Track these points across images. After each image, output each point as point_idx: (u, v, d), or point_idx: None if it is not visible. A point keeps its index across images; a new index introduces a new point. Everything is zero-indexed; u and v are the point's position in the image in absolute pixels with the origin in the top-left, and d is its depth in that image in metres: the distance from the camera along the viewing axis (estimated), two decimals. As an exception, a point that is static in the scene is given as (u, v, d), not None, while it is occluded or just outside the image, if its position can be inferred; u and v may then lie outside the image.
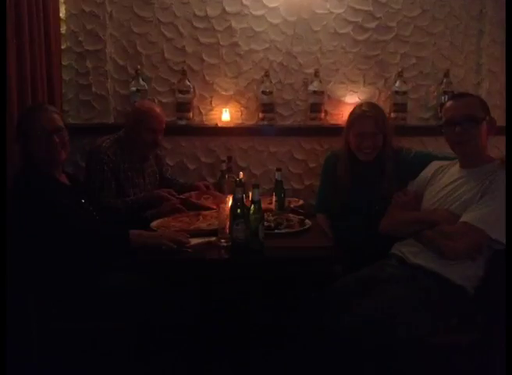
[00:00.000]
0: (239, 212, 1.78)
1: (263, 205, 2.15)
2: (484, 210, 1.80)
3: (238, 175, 2.87)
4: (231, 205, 1.82)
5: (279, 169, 2.39)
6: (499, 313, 1.80)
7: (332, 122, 3.11)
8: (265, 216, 2.10)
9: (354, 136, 2.32)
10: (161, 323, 1.84)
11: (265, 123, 3.05)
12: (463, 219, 1.83)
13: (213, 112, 3.10)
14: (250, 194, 2.38)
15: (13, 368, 1.72)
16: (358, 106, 2.40)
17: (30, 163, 2.01)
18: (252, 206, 1.76)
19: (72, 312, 1.84)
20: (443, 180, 2.04)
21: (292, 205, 2.54)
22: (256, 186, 1.80)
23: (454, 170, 2.02)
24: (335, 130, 2.96)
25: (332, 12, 3.04)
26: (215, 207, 2.37)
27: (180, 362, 1.88)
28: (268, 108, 3.04)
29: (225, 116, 3.04)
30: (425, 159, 2.24)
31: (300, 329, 1.94)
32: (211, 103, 3.10)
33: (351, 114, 2.38)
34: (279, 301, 2.02)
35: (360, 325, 1.71)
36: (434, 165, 2.16)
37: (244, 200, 1.84)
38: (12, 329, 1.69)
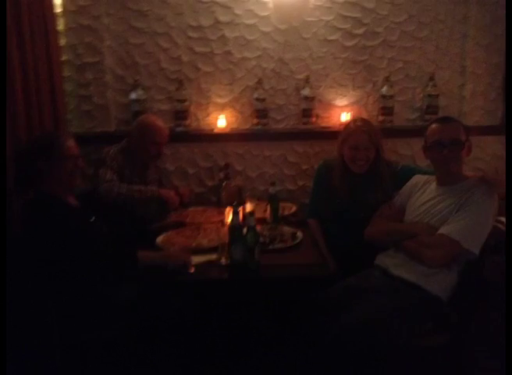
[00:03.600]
0: (236, 236, 1.97)
1: (258, 214, 2.35)
2: (459, 223, 2.00)
3: (235, 180, 3.06)
4: (229, 229, 2.01)
5: (273, 183, 2.56)
6: (470, 315, 2.05)
7: (323, 125, 3.26)
8: (260, 230, 2.30)
9: (349, 148, 2.48)
10: (163, 330, 1.97)
11: (259, 127, 3.20)
12: (440, 231, 2.03)
13: (209, 119, 3.24)
14: (247, 204, 2.59)
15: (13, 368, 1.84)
16: (353, 121, 2.56)
17: (41, 186, 2.08)
18: (248, 232, 1.94)
19: (76, 323, 1.95)
20: (423, 197, 2.22)
21: (286, 213, 2.72)
22: (251, 214, 1.98)
23: (431, 189, 2.21)
24: (326, 134, 3.15)
25: (321, 20, 3.14)
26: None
27: (181, 368, 2.05)
28: (261, 113, 3.19)
29: (221, 122, 3.18)
30: (409, 173, 2.42)
31: (294, 336, 2.15)
32: (207, 110, 3.24)
33: (346, 129, 2.54)
34: (276, 311, 2.20)
35: (348, 330, 1.92)
36: (415, 179, 2.35)
37: (240, 223, 2.02)
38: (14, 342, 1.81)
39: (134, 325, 1.99)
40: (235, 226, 1.97)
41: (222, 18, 3.12)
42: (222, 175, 2.99)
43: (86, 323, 1.99)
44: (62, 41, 3.07)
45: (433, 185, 2.22)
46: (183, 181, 3.23)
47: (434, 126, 2.19)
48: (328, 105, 3.26)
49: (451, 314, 2.03)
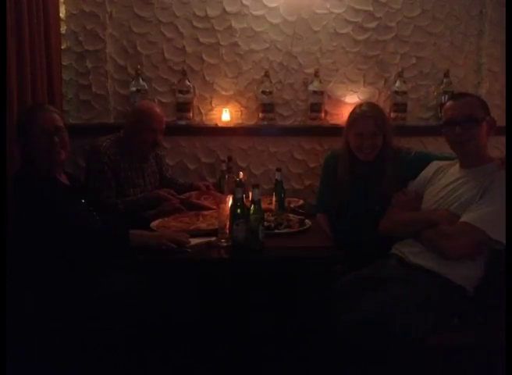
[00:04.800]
0: (239, 212, 1.78)
1: (263, 205, 2.16)
2: (484, 210, 1.81)
3: (238, 175, 2.88)
4: (231, 205, 1.83)
5: (278, 169, 2.39)
6: (498, 313, 1.82)
7: (332, 122, 3.11)
8: (265, 216, 2.11)
9: (354, 136, 2.32)
10: (160, 322, 1.84)
11: (265, 123, 3.05)
12: (463, 219, 1.83)
13: (213, 112, 3.10)
14: (250, 193, 2.41)
15: (13, 368, 1.72)
16: (358, 106, 2.40)
17: (29, 163, 2.00)
18: (252, 206, 1.76)
19: (71, 312, 1.83)
20: (443, 181, 2.04)
21: (292, 205, 2.54)
22: (256, 186, 1.80)
23: (454, 170, 2.03)
24: (335, 130, 2.97)
25: (332, 12, 3.04)
26: (214, 207, 2.37)
27: (179, 362, 1.88)
28: (268, 108, 3.04)
29: (226, 116, 3.04)
30: (425, 159, 2.24)
31: (301, 329, 1.95)
32: (211, 103, 3.10)
33: (351, 114, 2.38)
34: (280, 301, 2.01)
35: (359, 325, 1.71)
36: (434, 165, 2.16)
37: (244, 200, 1.84)
38: (11, 329, 1.69)
39: (130, 318, 1.82)
40: (238, 200, 1.78)
41: (230, 8, 3.02)
42: (224, 166, 2.82)
43: (69, 310, 1.83)
44: (63, 28, 2.96)
45: (455, 168, 2.04)
46: (183, 176, 3.05)
47: (448, 103, 2.04)
48: (338, 102, 3.12)
49: (478, 308, 1.82)
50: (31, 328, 1.82)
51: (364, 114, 2.32)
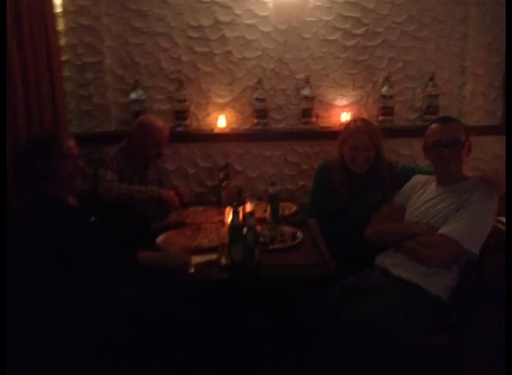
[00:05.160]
0: (236, 236, 1.97)
1: (258, 214, 2.35)
2: (458, 223, 1.99)
3: (235, 180, 3.06)
4: (229, 229, 2.01)
5: (273, 184, 2.55)
6: (469, 317, 2.05)
7: (323, 125, 3.26)
8: (260, 230, 2.30)
9: (349, 149, 2.48)
10: (160, 323, 1.96)
11: (260, 127, 3.20)
12: (440, 231, 2.02)
13: (209, 119, 3.25)
14: (247, 204, 2.59)
15: (13, 368, 1.83)
16: (353, 121, 2.56)
17: (41, 186, 2.07)
18: (248, 232, 1.94)
19: (71, 313, 1.95)
20: (423, 197, 2.22)
21: (286, 213, 2.71)
22: (251, 214, 1.98)
23: (431, 189, 2.20)
24: (326, 134, 3.15)
25: (321, 20, 3.15)
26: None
27: (179, 362, 2.05)
28: (261, 113, 3.19)
29: (221, 122, 3.18)
30: (409, 173, 2.41)
31: (299, 329, 2.15)
32: (207, 110, 3.24)
33: (346, 129, 2.54)
34: (278, 305, 2.20)
35: (347, 332, 1.92)
36: (415, 179, 2.34)
37: (240, 223, 2.02)
38: (11, 329, 1.77)
39: (134, 325, 1.98)
40: (235, 226, 1.97)
41: (222, 18, 3.12)
42: (222, 175, 2.99)
43: (85, 323, 1.97)
44: (62, 41, 3.07)
45: (433, 185, 2.22)
46: (183, 181, 3.23)
47: (434, 126, 2.19)
48: (329, 105, 3.26)
49: (451, 314, 2.03)
50: (31, 328, 1.93)
51: (359, 129, 2.48)
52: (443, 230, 2.01)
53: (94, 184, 2.70)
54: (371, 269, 2.24)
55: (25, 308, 1.93)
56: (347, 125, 2.58)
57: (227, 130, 3.20)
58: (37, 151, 2.06)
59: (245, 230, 1.98)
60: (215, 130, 3.21)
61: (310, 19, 3.14)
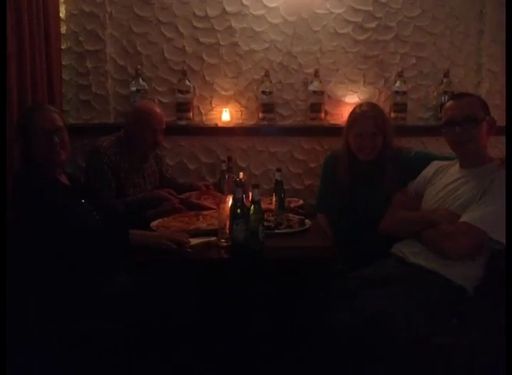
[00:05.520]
0: (239, 212, 1.78)
1: (263, 206, 2.16)
2: (484, 210, 1.81)
3: (238, 175, 2.88)
4: (231, 205, 1.83)
5: (279, 170, 2.39)
6: (498, 313, 1.82)
7: (332, 122, 3.11)
8: (265, 216, 2.11)
9: (354, 136, 2.32)
10: (160, 322, 1.83)
11: (265, 123, 3.05)
12: (463, 219, 1.83)
13: (213, 112, 3.10)
14: (250, 194, 2.41)
15: (13, 368, 1.72)
16: (358, 106, 2.40)
17: (29, 164, 1.99)
18: (252, 206, 1.76)
19: (72, 312, 1.84)
20: (443, 180, 2.04)
21: (292, 205, 2.54)
22: (256, 186, 1.80)
23: (454, 170, 2.03)
24: (335, 130, 2.97)
25: (332, 12, 3.04)
26: (215, 207, 2.37)
27: (179, 362, 1.89)
28: (268, 108, 3.04)
29: (226, 116, 3.04)
30: (425, 159, 2.24)
31: (300, 328, 1.95)
32: (211, 103, 3.10)
33: (351, 114, 2.38)
34: (279, 300, 2.01)
35: (360, 324, 1.71)
36: (434, 165, 2.17)
37: (244, 200, 1.84)
38: (11, 330, 1.69)
39: (130, 317, 1.84)
40: (238, 201, 1.78)
41: (230, 8, 3.02)
42: (224, 167, 2.82)
43: (69, 310, 1.84)
44: (63, 28, 2.96)
45: (455, 168, 2.04)
46: (183, 176, 3.05)
47: (448, 104, 2.05)
48: (338, 102, 3.12)
49: (478, 308, 1.82)
50: (31, 328, 1.82)
51: (364, 114, 2.32)
52: (466, 218, 1.82)
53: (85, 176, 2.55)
54: (386, 259, 2.05)
55: (18, 298, 1.79)
56: (352, 110, 2.42)
57: (231, 125, 3.05)
58: (17, 132, 2.00)
59: (249, 206, 1.79)
60: (219, 124, 3.06)
61: (320, 11, 3.03)
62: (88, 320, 1.83)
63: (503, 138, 3.12)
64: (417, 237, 1.96)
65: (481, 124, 1.94)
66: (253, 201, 1.77)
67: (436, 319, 1.80)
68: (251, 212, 1.77)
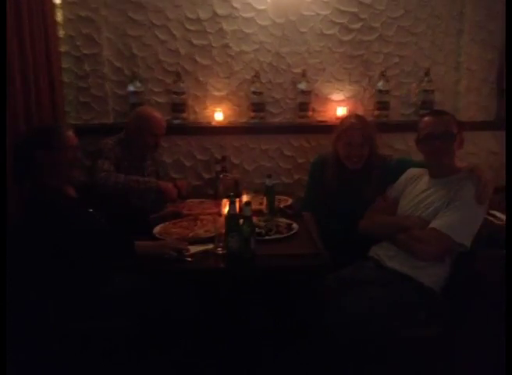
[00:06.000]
0: (233, 226, 2.00)
1: (254, 206, 2.38)
2: (450, 217, 2.03)
3: (232, 173, 3.09)
4: (226, 219, 2.04)
5: (269, 176, 2.57)
6: (461, 307, 2.08)
7: (320, 119, 3.29)
8: (257, 221, 2.33)
9: (343, 145, 2.52)
10: (160, 319, 2.00)
11: (256, 121, 3.22)
12: (431, 225, 2.06)
13: (207, 112, 3.27)
14: (244, 196, 2.62)
15: (13, 368, 1.85)
16: (348, 118, 2.60)
17: (41, 177, 2.08)
18: (244, 222, 1.97)
19: (72, 312, 1.99)
20: (416, 189, 2.25)
21: (281, 206, 2.74)
22: (248, 203, 2.01)
23: (425, 180, 2.24)
24: (321, 128, 3.17)
25: (318, 14, 3.16)
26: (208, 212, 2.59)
27: (180, 358, 2.08)
28: (258, 107, 3.21)
29: (218, 115, 3.21)
30: (404, 166, 2.44)
31: (297, 325, 2.19)
32: (205, 103, 3.26)
33: (341, 125, 2.57)
34: (274, 299, 2.23)
35: (340, 322, 1.96)
36: (409, 173, 2.38)
37: (237, 213, 2.05)
38: (12, 329, 1.79)
39: (133, 322, 2.01)
40: (231, 216, 2.00)
41: (220, 11, 3.14)
42: (218, 168, 3.02)
43: (83, 313, 2.02)
44: (61, 33, 3.08)
45: (426, 178, 2.26)
46: (180, 174, 3.25)
47: (426, 119, 2.23)
48: (325, 100, 3.29)
49: (444, 305, 2.07)
50: (31, 328, 1.95)
51: (353, 126, 2.51)
52: (434, 224, 2.05)
53: (90, 175, 2.70)
54: (365, 261, 2.28)
55: (24, 300, 1.95)
56: (342, 121, 2.62)
57: (224, 124, 3.22)
58: (37, 142, 2.06)
59: (241, 221, 2.01)
60: (213, 123, 3.23)
61: (307, 13, 3.15)
62: (89, 319, 1.98)
63: (480, 134, 3.35)
64: (392, 240, 2.20)
65: (455, 139, 2.14)
66: (245, 217, 1.98)
67: (407, 316, 2.05)
68: (244, 226, 1.98)
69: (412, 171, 2.37)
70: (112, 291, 2.04)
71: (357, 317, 1.95)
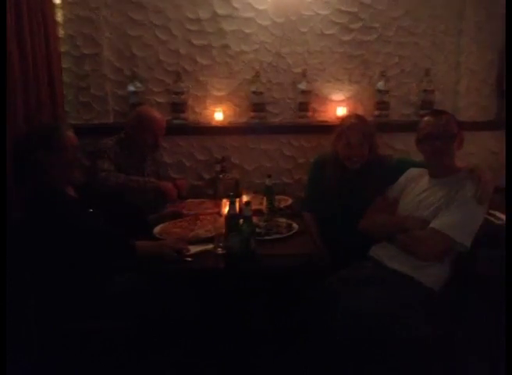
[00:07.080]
0: (233, 226, 2.00)
1: (254, 206, 2.39)
2: (450, 217, 2.03)
3: (232, 173, 3.09)
4: (226, 219, 2.04)
5: (269, 176, 2.58)
6: (462, 308, 2.08)
7: (320, 119, 3.29)
8: (256, 221, 2.33)
9: (343, 146, 2.51)
10: (160, 319, 2.01)
11: (256, 121, 3.22)
12: (431, 225, 2.05)
13: (207, 112, 3.27)
14: (244, 196, 2.62)
15: (13, 368, 1.85)
16: (348, 118, 2.60)
17: (40, 177, 2.10)
18: (244, 222, 1.98)
19: (73, 312, 1.99)
20: (416, 189, 2.26)
21: (282, 205, 2.74)
22: (248, 203, 2.01)
23: (425, 180, 2.24)
24: (321, 128, 3.17)
25: (318, 14, 3.16)
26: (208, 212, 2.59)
27: (180, 358, 2.09)
28: (258, 107, 3.21)
29: (219, 115, 3.21)
30: (405, 166, 2.44)
31: (299, 325, 2.19)
32: (205, 103, 3.26)
33: (341, 125, 2.57)
34: (274, 302, 2.24)
35: (340, 322, 1.96)
36: (409, 172, 2.38)
37: (237, 213, 2.05)
38: (13, 330, 1.82)
39: (133, 322, 2.01)
40: (231, 216, 2.00)
41: (220, 11, 3.14)
42: (218, 168, 3.02)
43: (83, 313, 2.02)
44: (61, 33, 3.08)
45: (426, 178, 2.26)
46: (180, 174, 3.25)
47: (426, 119, 2.23)
48: (325, 100, 3.29)
49: (444, 305, 2.07)
50: (31, 328, 1.98)
51: (353, 127, 2.51)
52: (434, 225, 2.05)
53: (90, 175, 2.68)
54: (365, 261, 2.28)
55: (24, 300, 1.96)
56: (342, 121, 2.62)
57: (224, 124, 3.22)
58: (37, 142, 2.07)
59: (241, 220, 2.01)
60: (213, 123, 3.23)
61: (307, 13, 3.15)
62: (88, 319, 1.98)
63: (480, 134, 3.35)
64: (392, 240, 2.20)
65: (455, 139, 2.14)
66: (244, 217, 1.99)
67: (407, 316, 2.04)
68: (243, 226, 1.99)
69: (412, 171, 2.37)
70: (112, 291, 2.05)
71: (357, 317, 1.96)
